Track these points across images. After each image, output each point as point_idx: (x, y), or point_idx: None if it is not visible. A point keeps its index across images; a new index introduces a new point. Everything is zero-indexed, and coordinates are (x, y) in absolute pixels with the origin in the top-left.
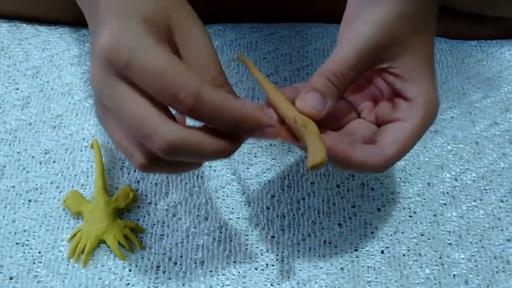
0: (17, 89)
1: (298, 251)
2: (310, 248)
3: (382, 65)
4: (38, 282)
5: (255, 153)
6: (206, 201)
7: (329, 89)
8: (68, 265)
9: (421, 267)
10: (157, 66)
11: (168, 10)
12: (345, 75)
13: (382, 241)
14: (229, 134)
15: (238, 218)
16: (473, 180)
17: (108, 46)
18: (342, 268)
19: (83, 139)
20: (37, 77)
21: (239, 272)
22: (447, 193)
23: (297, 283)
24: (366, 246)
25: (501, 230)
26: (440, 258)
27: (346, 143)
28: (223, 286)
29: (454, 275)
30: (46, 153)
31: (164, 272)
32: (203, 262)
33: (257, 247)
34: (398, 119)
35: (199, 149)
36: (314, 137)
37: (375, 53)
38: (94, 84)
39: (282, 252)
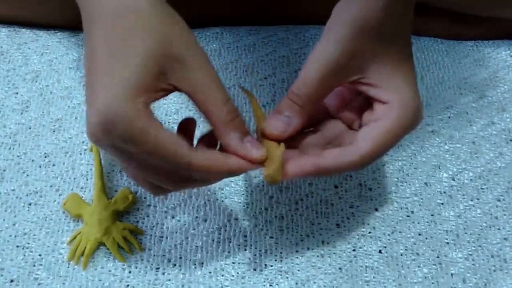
0: (17, 93)
1: (297, 251)
2: (308, 248)
3: (352, 78)
4: (38, 284)
5: None
6: (205, 202)
7: (292, 109)
8: (68, 267)
9: (418, 266)
10: (149, 148)
11: (168, 39)
12: (307, 94)
13: (380, 240)
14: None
15: (236, 219)
16: (470, 179)
17: (101, 126)
18: (340, 268)
19: (83, 142)
20: (36, 81)
21: (238, 272)
22: (444, 192)
23: (296, 283)
24: (364, 246)
25: (498, 229)
26: (437, 257)
27: (312, 157)
28: (222, 286)
29: (451, 274)
30: (45, 157)
31: (163, 274)
32: (202, 263)
33: (256, 248)
34: (374, 120)
35: (200, 186)
36: (273, 158)
37: (337, 70)
38: (91, 135)
39: (281, 253)
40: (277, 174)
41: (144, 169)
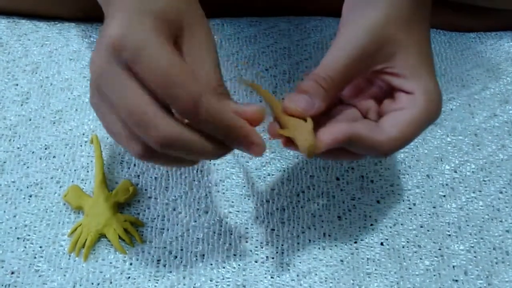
0: (17, 85)
1: (298, 243)
2: (309, 240)
3: (377, 67)
4: (39, 276)
5: None
6: (206, 194)
7: (316, 90)
8: (69, 259)
9: (420, 258)
10: (162, 64)
11: (181, 9)
12: (333, 78)
13: (382, 233)
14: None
15: (238, 211)
16: (472, 171)
17: (116, 36)
18: (342, 260)
19: (83, 134)
20: (36, 73)
21: (239, 265)
22: (447, 184)
23: (297, 275)
24: (366, 238)
25: (500, 221)
26: (439, 249)
27: (344, 123)
28: (223, 278)
29: (453, 266)
30: (46, 148)
31: (164, 266)
32: (204, 255)
33: (257, 240)
34: (398, 108)
35: (191, 148)
36: (302, 131)
37: (365, 57)
38: (95, 70)
39: (282, 245)
40: (315, 144)
41: (136, 106)
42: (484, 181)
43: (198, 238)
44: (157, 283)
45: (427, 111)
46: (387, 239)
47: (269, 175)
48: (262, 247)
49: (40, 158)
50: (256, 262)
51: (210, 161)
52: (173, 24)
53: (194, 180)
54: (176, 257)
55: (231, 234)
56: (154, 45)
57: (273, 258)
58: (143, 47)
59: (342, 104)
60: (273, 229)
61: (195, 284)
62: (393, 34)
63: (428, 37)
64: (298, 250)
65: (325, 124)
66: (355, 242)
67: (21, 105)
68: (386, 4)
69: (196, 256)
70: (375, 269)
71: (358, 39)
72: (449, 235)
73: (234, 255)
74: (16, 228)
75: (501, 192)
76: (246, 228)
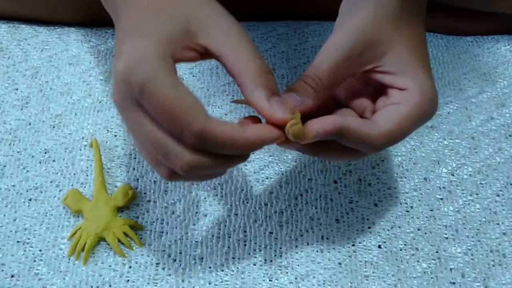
0: (17, 89)
1: (296, 246)
2: (308, 243)
3: (367, 67)
4: (39, 279)
5: None
6: (205, 198)
7: (304, 89)
8: (68, 262)
9: (418, 261)
10: (163, 101)
11: (185, 16)
12: (321, 79)
13: (379, 236)
14: None
15: (236, 214)
16: (469, 174)
17: (123, 72)
18: (339, 263)
19: (83, 138)
20: (36, 77)
21: (238, 268)
22: (444, 188)
23: (295, 278)
24: (364, 241)
25: (497, 224)
26: (436, 252)
27: (334, 115)
28: (222, 281)
29: (450, 269)
30: (45, 153)
31: (163, 269)
32: (202, 258)
33: (256, 243)
34: (392, 103)
35: (213, 168)
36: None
37: (353, 58)
38: (115, 101)
39: (280, 248)
40: (301, 126)
41: (153, 139)
42: (481, 184)
43: (197, 241)
44: (156, 286)
45: (421, 105)
46: (384, 242)
47: (267, 178)
48: (260, 250)
49: (40, 162)
50: (254, 265)
51: None
52: (180, 39)
53: (193, 184)
54: (175, 260)
55: (230, 237)
56: (156, 80)
57: (271, 261)
58: (146, 84)
59: (338, 107)
60: (271, 232)
61: (194, 287)
62: (382, 34)
63: (422, 33)
64: (296, 253)
65: None
66: (353, 245)
67: (21, 109)
68: (374, 5)
69: (195, 259)
70: (373, 272)
71: (345, 40)
72: (446, 237)
73: (233, 258)
74: (16, 232)
75: (498, 195)
76: (245, 231)
